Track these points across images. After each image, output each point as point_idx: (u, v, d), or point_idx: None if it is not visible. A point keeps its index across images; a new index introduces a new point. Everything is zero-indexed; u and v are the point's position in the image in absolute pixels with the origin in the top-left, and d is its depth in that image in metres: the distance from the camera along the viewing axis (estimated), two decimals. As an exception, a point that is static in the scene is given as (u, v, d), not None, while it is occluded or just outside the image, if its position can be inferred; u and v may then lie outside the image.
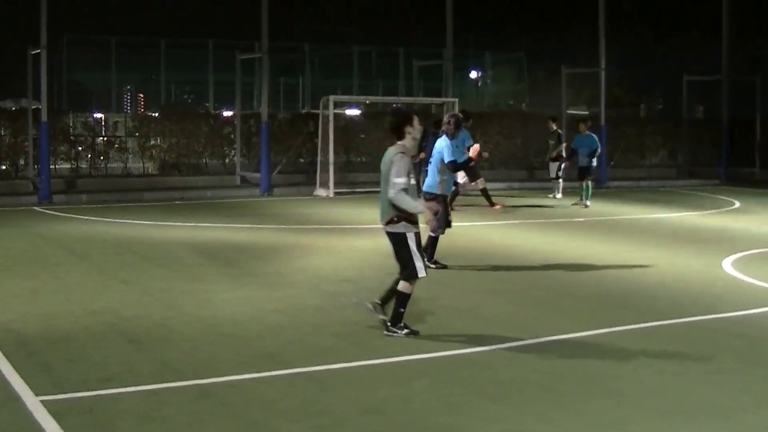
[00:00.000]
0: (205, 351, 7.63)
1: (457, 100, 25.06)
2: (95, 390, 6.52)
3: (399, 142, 8.12)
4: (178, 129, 25.17)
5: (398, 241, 8.05)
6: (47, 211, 18.74)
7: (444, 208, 11.38)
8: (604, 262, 12.38)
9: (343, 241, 14.45)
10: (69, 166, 24.43)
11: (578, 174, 20.54)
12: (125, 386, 6.63)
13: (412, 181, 8.03)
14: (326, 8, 43.27)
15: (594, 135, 20.80)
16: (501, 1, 43.53)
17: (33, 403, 6.23)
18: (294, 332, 8.34)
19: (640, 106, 42.35)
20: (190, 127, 25.36)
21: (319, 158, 23.94)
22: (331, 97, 23.91)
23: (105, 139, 25.68)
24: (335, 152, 23.69)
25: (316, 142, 24.54)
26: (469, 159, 12.15)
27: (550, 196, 22.42)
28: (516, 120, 30.01)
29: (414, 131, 8.13)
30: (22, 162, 23.28)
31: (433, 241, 11.46)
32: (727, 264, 12.29)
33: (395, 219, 7.99)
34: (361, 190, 23.11)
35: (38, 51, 20.85)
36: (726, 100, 29.91)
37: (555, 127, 22.63)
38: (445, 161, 11.17)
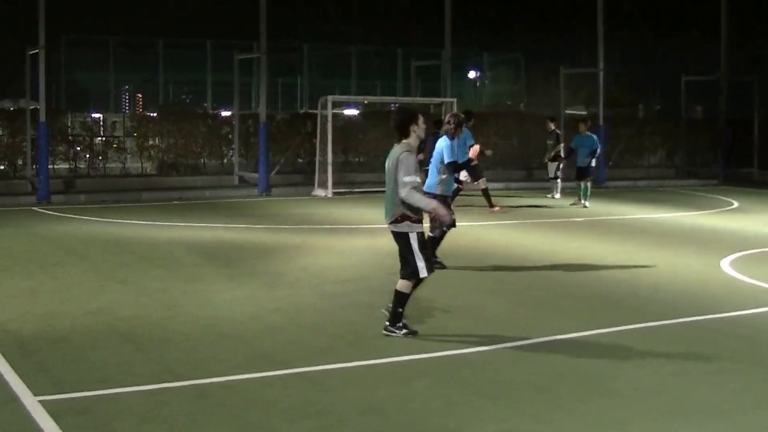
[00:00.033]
0: (203, 351, 7.62)
1: (455, 100, 25.05)
2: (93, 390, 6.51)
3: (404, 141, 8.14)
4: (177, 129, 25.15)
5: (402, 240, 8.07)
6: (45, 211, 18.72)
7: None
8: (603, 263, 12.38)
9: (341, 241, 14.44)
10: (67, 166, 24.41)
11: (576, 174, 20.54)
12: (123, 386, 6.62)
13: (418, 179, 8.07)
14: (325, 8, 43.24)
15: (594, 135, 20.81)
16: (499, 1, 43.52)
17: (31, 403, 6.22)
18: (293, 332, 8.33)
19: (638, 106, 42.32)
20: (188, 127, 25.34)
21: (317, 158, 23.93)
22: (330, 97, 23.90)
23: (103, 139, 25.63)
24: (333, 152, 23.68)
25: (314, 142, 24.53)
26: (469, 160, 12.14)
27: (549, 196, 22.43)
28: (514, 120, 30.00)
29: (419, 130, 8.17)
30: (20, 162, 23.26)
31: (432, 240, 11.44)
32: (726, 264, 12.29)
33: (399, 218, 8.01)
34: (360, 190, 23.11)
35: (36, 51, 20.82)
36: (724, 101, 29.92)
37: (553, 127, 22.63)
38: (445, 162, 11.16)
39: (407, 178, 7.89)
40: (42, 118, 21.08)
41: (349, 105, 30.24)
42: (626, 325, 8.68)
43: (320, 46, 42.41)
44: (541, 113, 27.20)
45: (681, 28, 39.76)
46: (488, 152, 16.56)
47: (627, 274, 11.55)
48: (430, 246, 11.14)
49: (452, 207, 12.08)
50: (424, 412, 6.14)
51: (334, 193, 22.80)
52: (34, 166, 22.38)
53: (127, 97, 43.72)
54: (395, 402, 6.34)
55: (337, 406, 6.24)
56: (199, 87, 40.56)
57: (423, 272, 7.99)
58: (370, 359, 7.40)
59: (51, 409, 6.07)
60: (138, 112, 37.32)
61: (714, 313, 9.22)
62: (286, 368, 7.10)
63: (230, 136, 25.81)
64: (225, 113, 29.21)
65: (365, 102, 28.84)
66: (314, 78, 42.11)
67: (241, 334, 8.23)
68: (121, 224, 16.58)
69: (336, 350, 7.69)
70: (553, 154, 22.35)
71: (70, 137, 24.42)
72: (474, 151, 11.79)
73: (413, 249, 7.98)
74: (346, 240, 14.54)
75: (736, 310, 9.37)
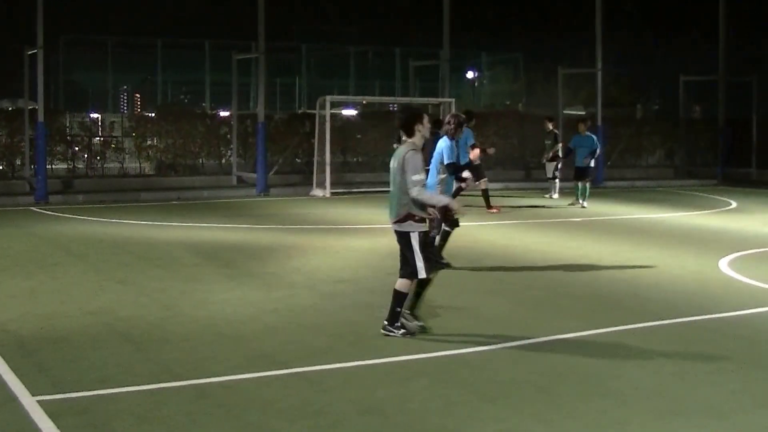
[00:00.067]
0: (202, 351, 7.62)
1: (453, 100, 25.04)
2: (92, 390, 6.50)
3: (409, 140, 8.16)
4: (175, 129, 25.13)
5: (403, 240, 8.07)
6: (44, 212, 18.71)
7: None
8: (602, 263, 12.38)
9: (340, 241, 14.43)
10: (66, 166, 24.38)
11: (575, 174, 20.53)
12: (122, 386, 6.61)
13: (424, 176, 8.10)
14: (323, 9, 43.25)
15: (593, 136, 20.82)
16: (498, 1, 43.54)
17: (30, 403, 6.21)
18: (292, 332, 8.32)
19: (637, 106, 42.35)
20: (186, 127, 25.32)
21: (315, 158, 23.90)
22: (328, 98, 23.88)
23: (102, 139, 25.61)
24: (332, 152, 23.66)
25: (312, 143, 24.51)
26: (469, 161, 12.12)
27: (547, 196, 22.43)
28: (513, 120, 30.00)
29: (424, 129, 8.22)
30: (18, 162, 23.23)
31: (433, 240, 11.42)
32: (725, 264, 12.29)
33: (403, 217, 8.02)
34: (358, 190, 23.09)
35: (35, 51, 20.80)
36: (723, 101, 29.92)
37: (552, 128, 22.63)
38: (445, 163, 11.15)
39: (416, 177, 7.94)
40: (40, 118, 21.06)
41: (347, 105, 30.23)
42: (626, 325, 8.68)
43: (318, 47, 42.43)
44: (540, 113, 27.20)
45: (680, 28, 39.78)
46: (490, 151, 16.57)
47: (626, 274, 11.55)
48: (440, 243, 11.18)
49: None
50: (423, 412, 6.13)
51: (333, 193, 22.78)
52: (32, 166, 22.35)
53: (125, 97, 43.76)
54: (394, 402, 6.33)
55: (336, 406, 6.24)
56: (198, 87, 40.60)
57: (422, 273, 7.99)
58: (369, 359, 7.40)
59: (49, 409, 6.07)
60: (136, 112, 37.39)
61: (713, 313, 9.23)
62: (285, 368, 7.09)
63: (228, 136, 25.79)
64: (223, 113, 29.22)
65: (363, 102, 28.82)
66: (312, 78, 42.14)
67: (240, 334, 8.22)
68: (119, 224, 16.57)
69: (335, 350, 7.68)
70: (551, 154, 22.34)
71: (68, 137, 24.40)
72: (474, 153, 11.79)
73: (414, 249, 7.99)
74: (344, 240, 14.54)
75: (734, 311, 9.38)
